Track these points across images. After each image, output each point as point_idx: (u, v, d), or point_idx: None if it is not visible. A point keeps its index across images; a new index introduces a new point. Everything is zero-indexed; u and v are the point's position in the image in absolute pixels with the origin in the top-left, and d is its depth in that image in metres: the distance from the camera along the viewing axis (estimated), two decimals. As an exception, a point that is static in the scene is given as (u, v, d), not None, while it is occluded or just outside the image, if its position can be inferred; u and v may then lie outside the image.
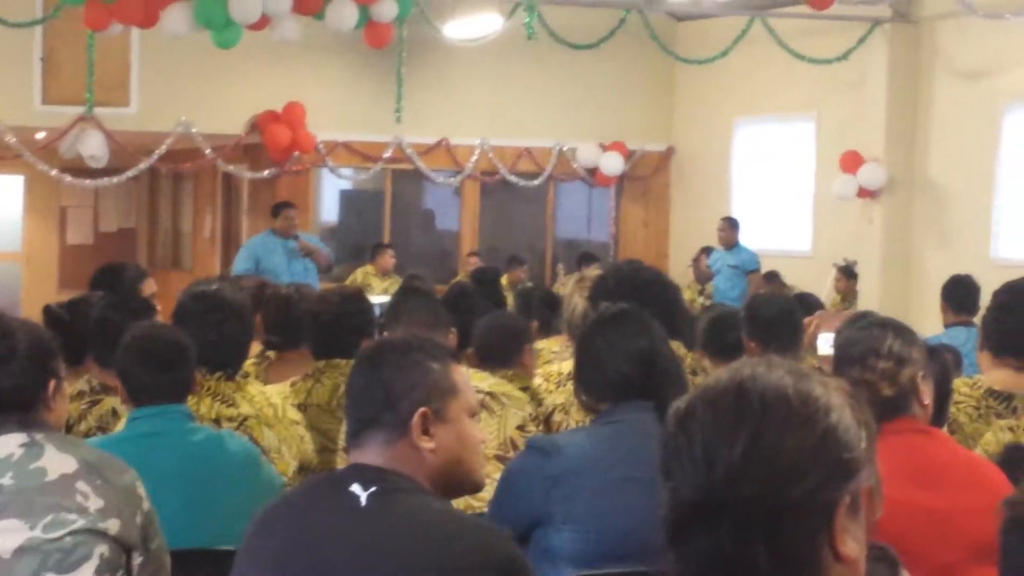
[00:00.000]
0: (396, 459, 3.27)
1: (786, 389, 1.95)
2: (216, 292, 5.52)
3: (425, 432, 3.30)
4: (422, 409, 3.30)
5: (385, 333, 5.53)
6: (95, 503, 3.61)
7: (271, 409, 5.18)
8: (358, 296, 6.31)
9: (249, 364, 5.97)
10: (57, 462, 3.62)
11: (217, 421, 4.99)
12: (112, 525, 3.63)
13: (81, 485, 3.61)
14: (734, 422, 1.91)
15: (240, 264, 14.50)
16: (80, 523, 3.58)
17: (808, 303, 6.88)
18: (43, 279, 21.23)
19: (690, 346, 6.17)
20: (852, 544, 1.92)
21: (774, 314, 6.48)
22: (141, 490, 3.75)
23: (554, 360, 6.66)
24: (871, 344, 3.96)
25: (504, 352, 5.97)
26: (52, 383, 3.77)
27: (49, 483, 3.59)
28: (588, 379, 4.36)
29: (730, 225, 17.10)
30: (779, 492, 1.88)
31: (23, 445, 3.63)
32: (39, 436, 3.66)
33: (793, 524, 1.89)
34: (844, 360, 3.98)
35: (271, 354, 6.63)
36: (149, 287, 7.40)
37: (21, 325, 3.80)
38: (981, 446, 4.94)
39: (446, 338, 5.37)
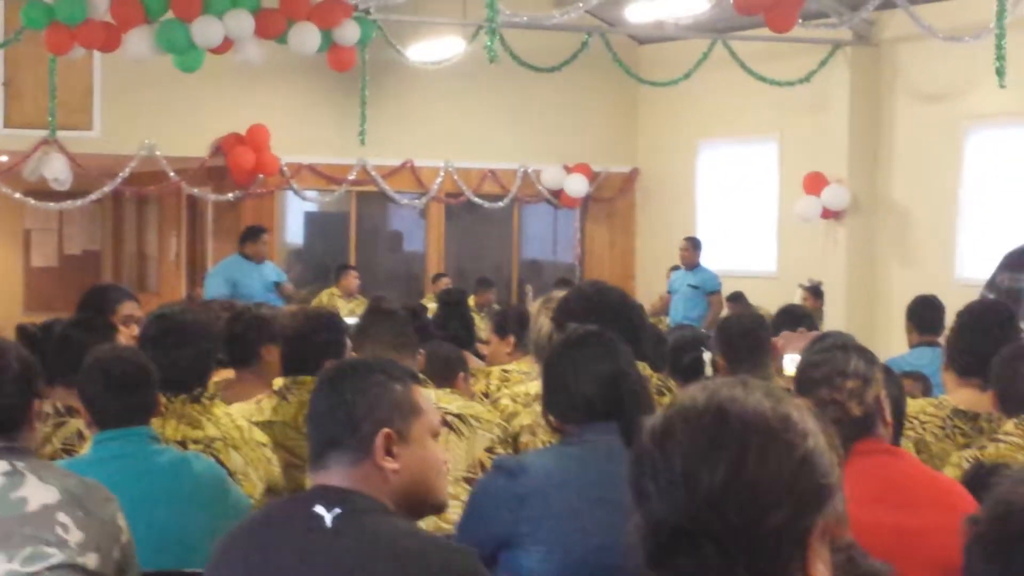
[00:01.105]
0: (360, 480, 3.26)
1: (766, 413, 1.94)
2: (175, 314, 5.51)
3: (388, 453, 3.30)
4: (385, 430, 3.30)
5: (352, 354, 5.52)
6: (75, 536, 3.56)
7: (237, 431, 5.16)
8: (327, 315, 6.30)
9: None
10: (38, 492, 3.58)
11: (183, 443, 4.97)
12: (91, 559, 3.59)
13: (62, 517, 3.56)
14: (715, 445, 1.91)
15: (215, 288, 14.30)
16: (59, 558, 3.54)
17: (796, 315, 6.89)
18: (8, 302, 21.12)
19: (657, 367, 6.17)
20: (822, 568, 1.92)
21: (743, 332, 6.48)
22: (121, 520, 3.72)
23: (525, 380, 6.67)
24: (837, 364, 3.98)
25: (437, 380, 5.96)
26: (37, 403, 3.75)
27: (30, 514, 3.54)
28: (555, 400, 4.35)
29: (692, 245, 17.15)
30: (761, 518, 1.88)
31: (4, 474, 3.59)
32: (20, 464, 3.62)
33: (774, 549, 1.89)
34: (810, 381, 3.99)
35: (224, 373, 6.58)
36: (126, 308, 7.37)
37: (9, 346, 3.78)
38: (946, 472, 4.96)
39: (414, 359, 5.37)
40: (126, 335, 7.13)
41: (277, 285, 14.71)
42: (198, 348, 5.25)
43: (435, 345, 6.53)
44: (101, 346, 5.01)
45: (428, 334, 8.12)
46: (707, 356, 6.39)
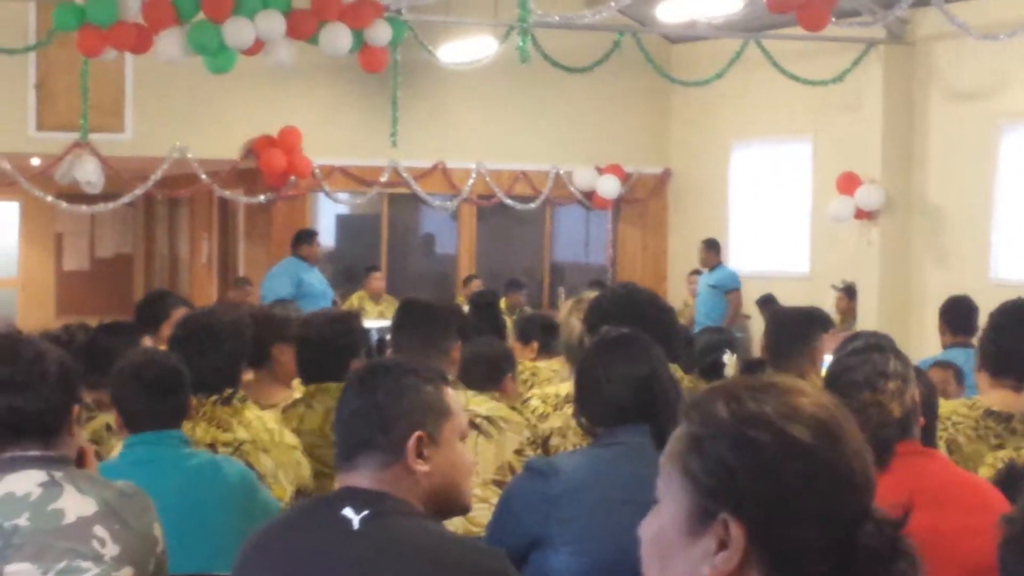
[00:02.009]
0: (390, 482, 3.25)
1: None
2: (205, 316, 5.52)
3: (420, 455, 3.29)
4: (418, 433, 3.29)
5: (388, 353, 5.50)
6: (111, 550, 3.53)
7: (268, 434, 5.16)
8: (344, 318, 6.29)
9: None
10: (76, 504, 3.54)
11: (212, 446, 4.98)
12: (126, 573, 3.56)
13: (99, 530, 3.52)
14: None
15: (281, 289, 14.20)
16: (93, 572, 3.50)
17: (819, 319, 6.86)
18: (39, 305, 21.23)
19: (687, 369, 6.15)
20: None
21: (783, 326, 6.45)
22: (157, 530, 3.70)
23: (553, 379, 6.66)
24: (877, 366, 3.95)
25: (485, 379, 5.94)
26: (76, 408, 3.71)
27: (66, 526, 3.50)
28: (587, 403, 4.36)
29: (707, 247, 17.26)
30: None
31: (42, 484, 3.55)
32: (58, 474, 3.58)
33: None
34: (849, 384, 3.94)
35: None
36: (179, 315, 7.47)
37: (50, 348, 3.74)
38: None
39: (447, 359, 5.33)
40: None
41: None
42: (228, 350, 5.27)
43: (480, 344, 6.49)
44: (135, 349, 5.02)
45: (468, 334, 8.14)
46: (727, 358, 6.35)
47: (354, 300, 16.90)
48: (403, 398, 3.33)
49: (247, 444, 5.07)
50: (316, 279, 14.64)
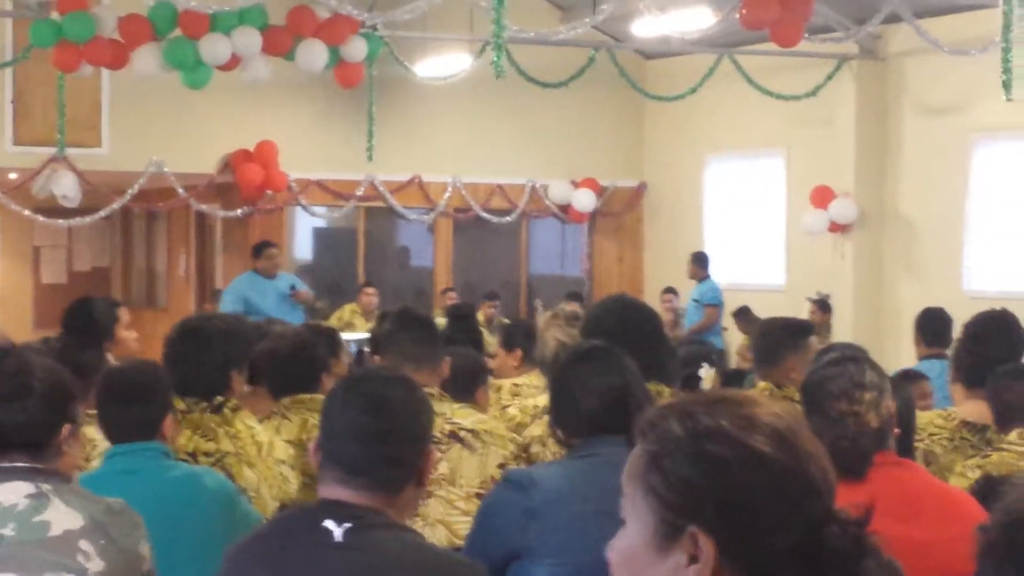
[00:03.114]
0: (394, 502, 3.28)
1: None
2: (199, 321, 5.52)
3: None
4: (429, 454, 3.37)
5: (376, 359, 5.51)
6: (95, 565, 3.53)
7: (255, 447, 5.12)
8: (314, 330, 6.32)
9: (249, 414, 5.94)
10: (62, 517, 3.54)
11: (194, 455, 4.95)
12: None
13: (84, 544, 3.53)
14: None
15: (228, 306, 14.20)
16: None
17: (805, 328, 6.90)
18: (18, 319, 21.10)
19: (670, 381, 6.20)
20: None
21: (763, 334, 6.49)
22: (144, 548, 3.69)
23: (535, 394, 6.69)
24: (854, 377, 3.97)
25: (460, 391, 5.96)
26: (67, 427, 3.69)
27: (52, 538, 3.51)
28: (562, 415, 4.37)
29: (693, 260, 17.32)
30: None
31: (29, 495, 3.55)
32: (46, 487, 3.58)
33: None
34: (826, 395, 3.97)
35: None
36: (124, 314, 7.45)
37: (42, 364, 3.72)
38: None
39: (434, 372, 5.34)
40: (130, 339, 7.21)
41: (293, 290, 14.69)
42: (219, 356, 5.19)
43: (454, 356, 6.52)
44: (119, 361, 5.01)
45: (473, 340, 8.17)
46: (703, 372, 6.38)
47: (345, 313, 16.89)
48: (423, 418, 3.39)
49: (230, 456, 5.02)
50: (270, 295, 14.43)
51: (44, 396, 3.65)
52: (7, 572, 3.48)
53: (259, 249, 14.97)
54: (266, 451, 5.17)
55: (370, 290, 17.22)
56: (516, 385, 7.08)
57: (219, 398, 5.13)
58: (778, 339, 6.38)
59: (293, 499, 5.17)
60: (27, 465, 3.61)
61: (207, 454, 4.97)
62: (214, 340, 5.25)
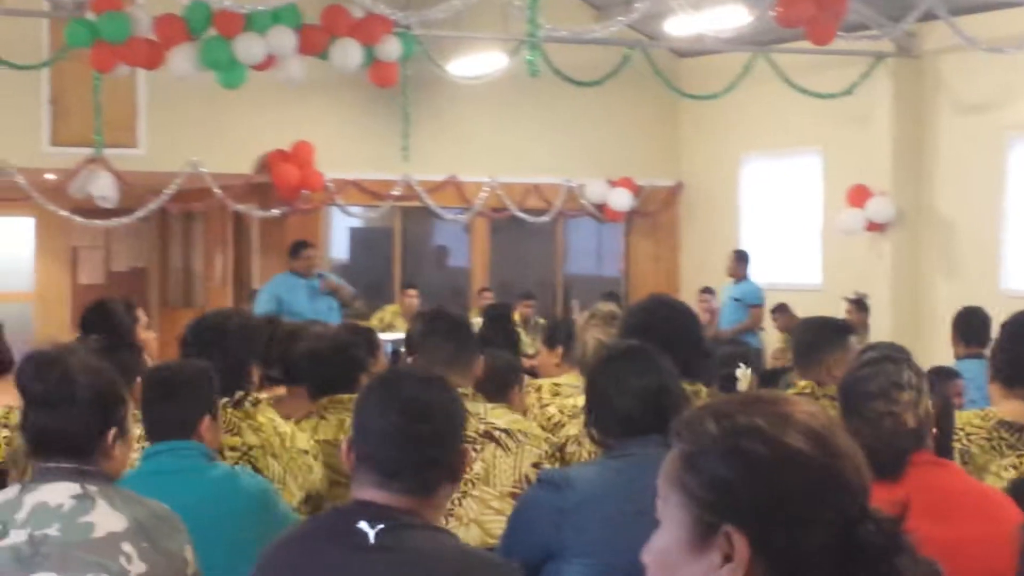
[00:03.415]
0: (424, 503, 3.28)
1: None
2: (215, 317, 5.53)
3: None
4: (465, 453, 3.39)
5: (410, 359, 5.52)
6: (137, 567, 3.54)
7: (279, 438, 5.14)
8: (353, 330, 6.33)
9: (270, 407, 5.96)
10: (106, 519, 3.55)
11: (220, 451, 4.95)
12: None
13: (127, 547, 3.53)
14: None
15: (262, 306, 14.30)
16: None
17: (840, 328, 6.90)
18: (55, 320, 21.22)
19: (708, 381, 6.20)
20: None
21: (802, 333, 6.47)
22: (189, 553, 3.70)
23: (575, 394, 6.69)
24: (892, 377, 3.96)
25: (493, 392, 5.96)
26: (112, 431, 3.70)
27: (95, 540, 3.51)
28: (597, 415, 4.37)
29: (737, 258, 17.25)
30: None
31: (74, 496, 3.57)
32: (92, 489, 3.59)
33: None
34: (864, 395, 3.96)
35: (277, 390, 6.62)
36: (141, 314, 7.48)
37: (85, 370, 3.71)
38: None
39: (469, 373, 5.33)
40: (151, 339, 7.23)
41: (321, 279, 14.68)
42: (237, 352, 5.20)
43: (490, 355, 6.51)
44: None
45: (509, 339, 8.19)
46: (739, 372, 6.37)
47: (387, 315, 16.92)
48: (458, 421, 3.39)
49: (256, 449, 5.04)
50: (302, 294, 14.45)
51: (89, 403, 3.65)
52: (47, 571, 3.49)
53: (295, 249, 14.98)
54: (289, 442, 5.18)
55: (412, 292, 17.22)
56: (556, 384, 7.08)
57: (239, 393, 5.12)
58: (821, 336, 6.37)
59: (318, 489, 5.19)
60: (75, 466, 3.62)
61: (233, 448, 4.99)
62: (231, 336, 5.26)
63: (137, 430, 5.33)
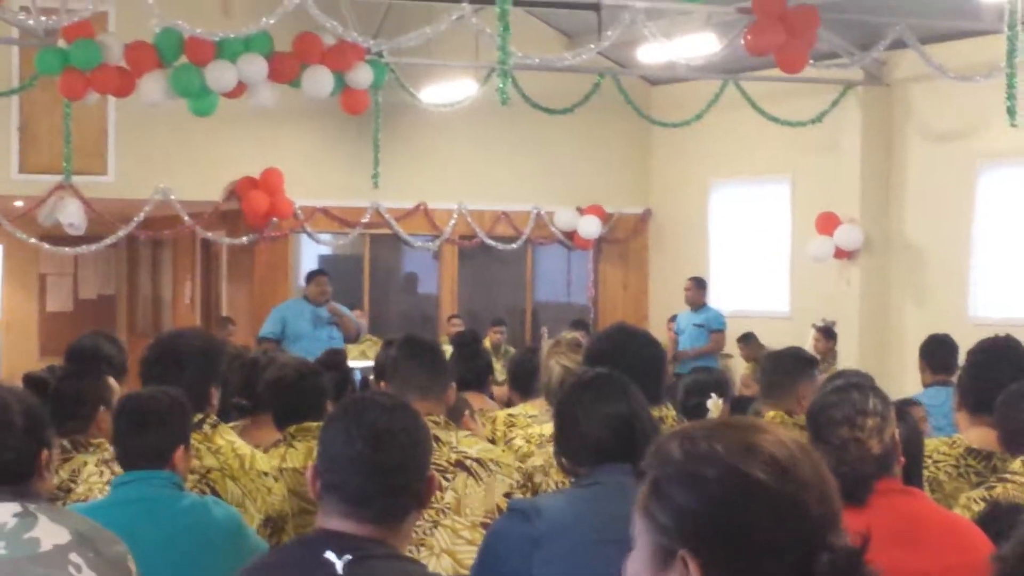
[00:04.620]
0: (391, 531, 3.27)
1: None
2: (172, 339, 5.49)
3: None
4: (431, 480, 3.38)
5: (381, 385, 5.50)
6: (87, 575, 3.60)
7: (237, 460, 5.11)
8: (321, 360, 6.32)
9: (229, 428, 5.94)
10: (50, 533, 3.59)
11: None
12: None
13: (74, 557, 3.56)
14: None
15: (267, 327, 14.54)
16: None
17: (810, 360, 6.93)
18: (23, 347, 21.18)
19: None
20: None
21: (772, 367, 6.51)
22: (131, 563, 3.72)
23: (532, 424, 6.68)
24: (857, 404, 3.97)
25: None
26: (45, 453, 3.75)
27: (42, 554, 3.55)
28: (567, 443, 4.35)
29: (696, 285, 17.29)
30: None
31: (16, 515, 3.60)
32: (32, 506, 3.63)
33: None
34: (829, 421, 3.98)
35: (244, 421, 6.60)
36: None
37: (14, 396, 3.78)
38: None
39: (440, 401, 5.31)
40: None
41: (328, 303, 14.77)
42: (195, 374, 5.15)
43: None
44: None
45: (478, 367, 8.19)
46: (710, 403, 6.37)
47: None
48: (424, 449, 3.38)
49: (214, 472, 5.01)
50: (306, 318, 14.56)
51: (25, 430, 3.71)
52: None
53: (310, 276, 15.13)
54: (248, 464, 5.15)
55: (357, 312, 17.06)
56: (511, 416, 7.07)
57: (198, 415, 5.05)
58: (792, 367, 6.39)
59: (279, 511, 5.17)
60: (11, 487, 3.66)
61: (192, 471, 4.93)
62: (190, 358, 5.22)
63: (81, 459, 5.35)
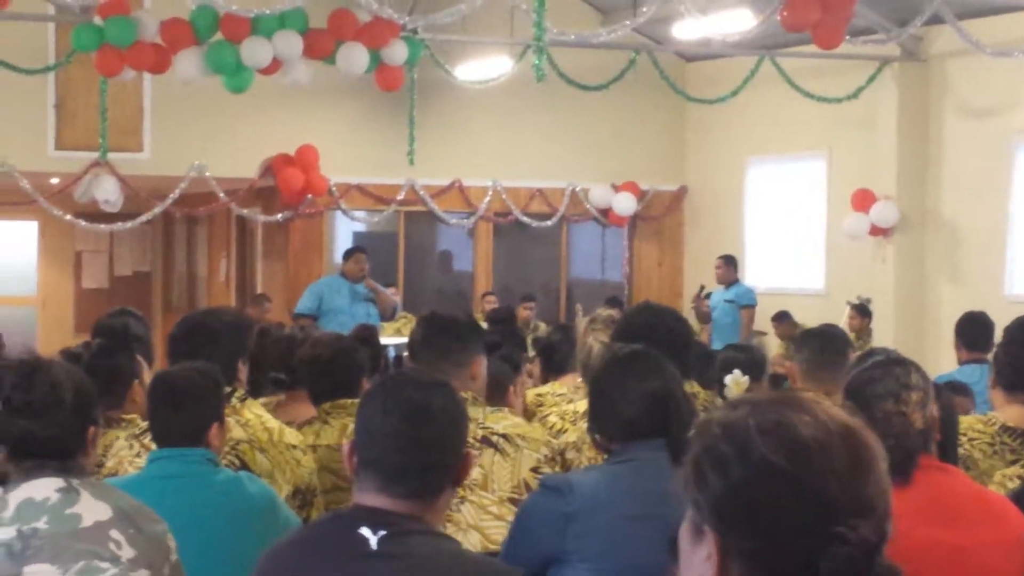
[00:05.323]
0: (431, 507, 3.27)
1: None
2: (200, 315, 5.57)
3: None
4: (466, 456, 3.37)
5: (412, 364, 5.51)
6: (127, 552, 3.60)
7: (266, 433, 5.16)
8: (353, 335, 6.32)
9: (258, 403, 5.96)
10: (92, 509, 3.62)
11: None
12: (142, 575, 3.63)
13: (115, 533, 3.60)
14: None
15: (303, 303, 14.71)
16: (111, 572, 3.58)
17: (847, 339, 6.91)
18: (59, 323, 21.29)
19: (705, 384, 6.20)
20: None
21: (821, 348, 6.47)
22: (171, 541, 3.75)
23: (560, 403, 6.68)
24: (900, 378, 3.95)
25: (492, 397, 5.95)
26: (92, 430, 3.79)
27: (83, 529, 3.58)
28: (601, 419, 4.36)
29: (725, 263, 17.22)
30: None
31: (59, 490, 3.63)
32: (75, 482, 3.66)
33: None
34: (872, 396, 3.94)
35: (279, 396, 6.62)
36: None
37: (67, 374, 3.81)
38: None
39: (467, 375, 5.32)
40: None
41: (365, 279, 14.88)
42: (224, 349, 5.24)
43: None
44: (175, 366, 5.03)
45: (515, 343, 8.17)
46: (729, 379, 6.34)
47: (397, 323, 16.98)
48: (460, 426, 3.38)
49: (243, 444, 5.06)
50: (344, 294, 14.66)
51: (75, 408, 3.74)
52: (42, 563, 3.55)
53: (345, 254, 15.26)
54: (277, 436, 5.20)
55: (391, 290, 17.14)
56: (539, 395, 7.08)
57: (227, 388, 5.09)
58: (839, 348, 6.36)
59: (307, 483, 5.20)
60: (56, 463, 3.70)
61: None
62: (219, 334, 5.31)
63: (135, 429, 5.38)
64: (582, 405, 5.43)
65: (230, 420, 5.05)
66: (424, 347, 5.31)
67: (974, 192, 16.29)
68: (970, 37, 14.87)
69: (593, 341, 5.92)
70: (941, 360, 12.80)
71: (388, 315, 15.24)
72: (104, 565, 3.58)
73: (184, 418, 4.61)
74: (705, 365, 7.02)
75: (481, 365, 5.31)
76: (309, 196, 17.78)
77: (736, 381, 6.20)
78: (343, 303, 14.46)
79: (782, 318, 17.40)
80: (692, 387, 5.28)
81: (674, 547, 2.14)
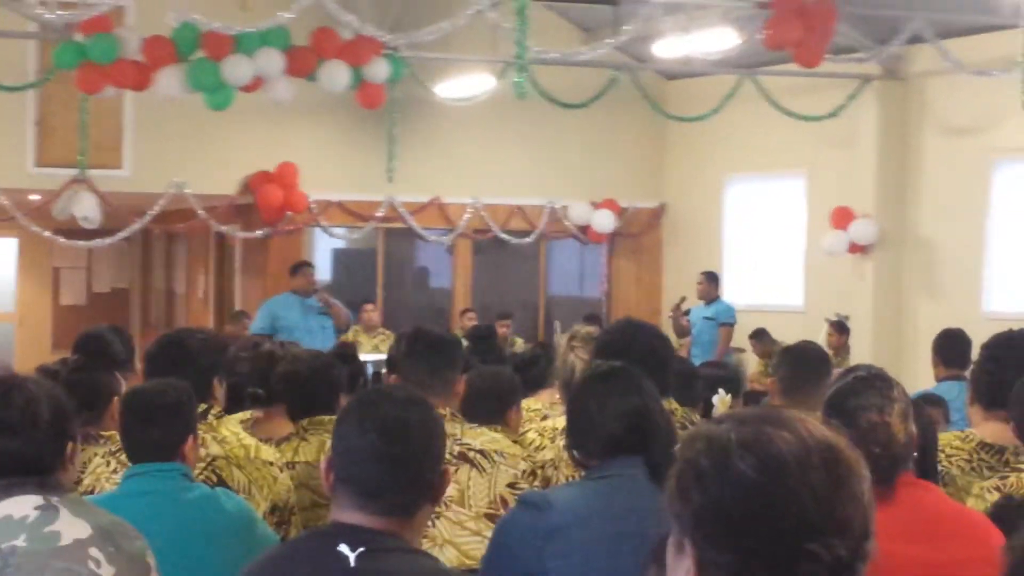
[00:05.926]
0: (405, 524, 3.27)
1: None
2: (176, 334, 5.59)
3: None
4: (443, 473, 3.37)
5: (392, 378, 5.51)
6: (107, 570, 3.57)
7: (243, 450, 5.16)
8: (333, 352, 6.32)
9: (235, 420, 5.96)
10: (71, 526, 3.59)
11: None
12: None
13: (94, 551, 3.57)
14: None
15: (256, 323, 14.78)
16: None
17: (826, 358, 6.93)
18: (36, 340, 21.24)
19: (691, 402, 6.21)
20: None
21: (804, 362, 6.48)
22: (150, 558, 3.73)
23: (534, 418, 6.68)
24: (883, 391, 3.97)
25: (491, 412, 5.94)
26: (70, 445, 3.77)
27: (63, 547, 3.56)
28: (580, 436, 4.35)
29: (708, 279, 17.25)
30: None
31: (38, 507, 3.61)
32: (55, 499, 3.64)
33: None
34: (856, 408, 3.95)
35: (255, 413, 6.60)
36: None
37: (43, 391, 3.79)
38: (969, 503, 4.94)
39: (448, 393, 5.32)
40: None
41: (317, 292, 14.90)
42: (200, 366, 5.25)
43: (487, 377, 6.39)
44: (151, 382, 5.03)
45: (495, 361, 8.17)
46: (716, 399, 6.36)
47: (350, 335, 16.93)
48: (437, 442, 3.37)
49: (220, 460, 5.07)
50: (296, 311, 14.65)
51: (52, 424, 3.72)
52: None
53: (295, 268, 15.22)
54: (253, 453, 5.21)
55: (370, 306, 17.35)
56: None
57: (203, 406, 5.12)
58: (818, 365, 6.38)
59: (284, 500, 5.20)
60: (35, 479, 3.68)
61: (198, 460, 4.97)
62: (195, 351, 5.32)
63: (112, 446, 5.37)
64: (561, 421, 5.43)
65: (207, 436, 5.07)
66: (411, 364, 5.32)
67: (953, 210, 16.35)
68: (950, 56, 14.94)
69: (575, 359, 5.92)
70: (919, 377, 12.81)
71: (343, 326, 15.25)
72: None
73: (157, 434, 4.59)
74: (688, 382, 7.02)
75: (462, 382, 5.33)
76: (288, 213, 17.79)
77: (722, 400, 6.23)
78: (296, 319, 14.48)
79: (760, 335, 17.43)
80: (670, 404, 5.27)
81: (651, 564, 2.14)
